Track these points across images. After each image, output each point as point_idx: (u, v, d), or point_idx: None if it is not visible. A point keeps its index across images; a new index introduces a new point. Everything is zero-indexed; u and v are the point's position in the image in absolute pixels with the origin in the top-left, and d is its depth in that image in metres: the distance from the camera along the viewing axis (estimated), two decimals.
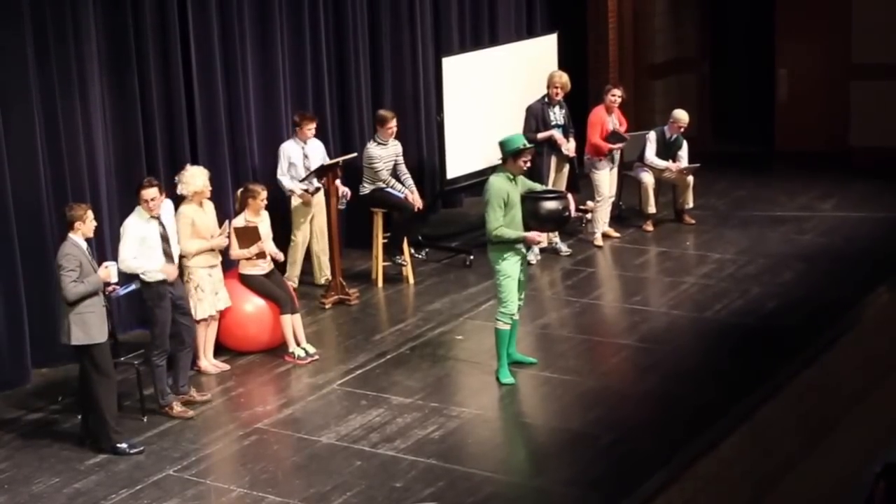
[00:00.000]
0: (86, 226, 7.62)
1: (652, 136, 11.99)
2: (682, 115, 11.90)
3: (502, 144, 8.42)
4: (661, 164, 11.88)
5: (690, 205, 12.19)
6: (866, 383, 9.76)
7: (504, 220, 8.29)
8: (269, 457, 7.64)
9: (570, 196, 8.77)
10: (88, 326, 7.53)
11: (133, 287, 8.09)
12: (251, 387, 8.73)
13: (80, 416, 8.01)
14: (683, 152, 12.02)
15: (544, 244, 10.80)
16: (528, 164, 8.54)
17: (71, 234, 7.61)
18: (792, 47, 14.59)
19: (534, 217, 8.43)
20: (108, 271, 7.66)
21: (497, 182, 8.35)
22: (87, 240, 7.71)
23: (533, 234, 8.47)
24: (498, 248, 8.41)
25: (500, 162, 8.46)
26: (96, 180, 9.19)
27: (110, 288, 7.79)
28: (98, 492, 7.24)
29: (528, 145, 8.44)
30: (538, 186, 8.89)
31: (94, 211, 9.05)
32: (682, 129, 11.92)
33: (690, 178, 12.06)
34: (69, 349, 7.78)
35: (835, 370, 9.27)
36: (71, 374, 8.66)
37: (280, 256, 9.27)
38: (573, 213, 8.84)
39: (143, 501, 7.12)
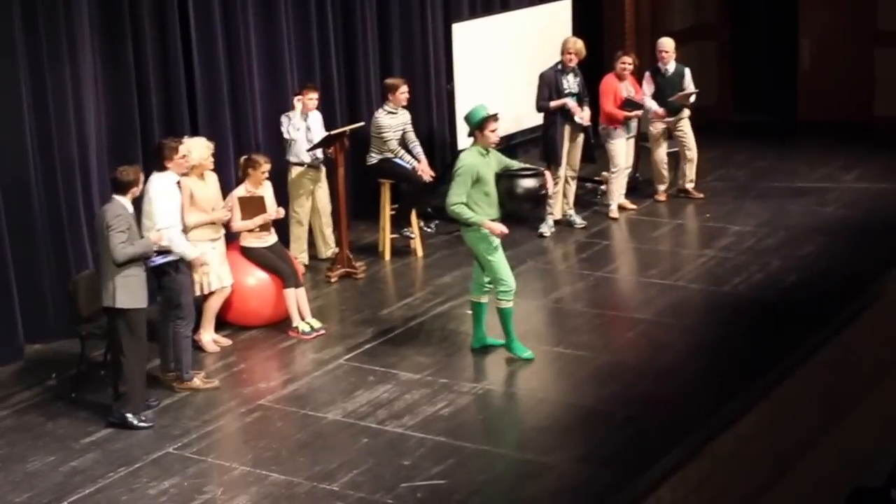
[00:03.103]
0: (136, 189, 7.58)
1: (647, 76, 11.64)
2: (665, 42, 11.54)
3: (466, 119, 8.18)
4: (652, 104, 11.46)
5: (692, 179, 11.82)
6: (888, 359, 9.61)
7: (473, 198, 7.99)
8: (272, 434, 7.51)
9: (547, 173, 8.65)
10: (133, 290, 7.46)
11: (172, 257, 7.88)
12: (254, 362, 8.60)
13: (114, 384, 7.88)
14: (688, 81, 11.60)
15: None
16: (497, 133, 8.17)
17: (118, 197, 7.48)
18: (815, 14, 14.34)
19: (510, 196, 8.27)
20: (161, 234, 7.68)
21: (469, 158, 8.06)
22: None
23: (495, 225, 8.08)
24: (473, 228, 8.12)
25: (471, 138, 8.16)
26: (86, 152, 8.95)
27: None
28: (96, 470, 7.10)
29: (490, 113, 8.09)
30: (515, 164, 8.61)
31: (85, 185, 8.97)
32: (670, 56, 11.49)
33: (689, 132, 11.55)
34: (102, 314, 7.70)
35: (856, 345, 9.11)
36: (64, 350, 8.61)
37: (281, 212, 9.04)
38: (551, 191, 8.83)
39: (143, 480, 6.99)
